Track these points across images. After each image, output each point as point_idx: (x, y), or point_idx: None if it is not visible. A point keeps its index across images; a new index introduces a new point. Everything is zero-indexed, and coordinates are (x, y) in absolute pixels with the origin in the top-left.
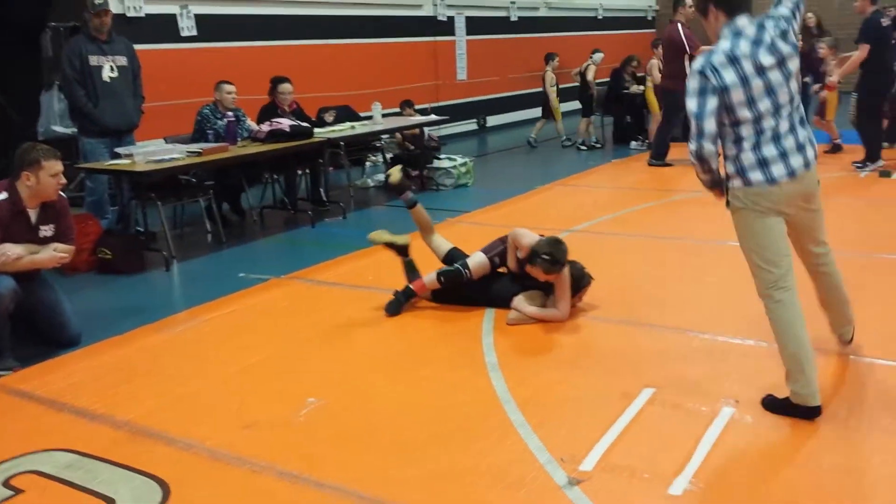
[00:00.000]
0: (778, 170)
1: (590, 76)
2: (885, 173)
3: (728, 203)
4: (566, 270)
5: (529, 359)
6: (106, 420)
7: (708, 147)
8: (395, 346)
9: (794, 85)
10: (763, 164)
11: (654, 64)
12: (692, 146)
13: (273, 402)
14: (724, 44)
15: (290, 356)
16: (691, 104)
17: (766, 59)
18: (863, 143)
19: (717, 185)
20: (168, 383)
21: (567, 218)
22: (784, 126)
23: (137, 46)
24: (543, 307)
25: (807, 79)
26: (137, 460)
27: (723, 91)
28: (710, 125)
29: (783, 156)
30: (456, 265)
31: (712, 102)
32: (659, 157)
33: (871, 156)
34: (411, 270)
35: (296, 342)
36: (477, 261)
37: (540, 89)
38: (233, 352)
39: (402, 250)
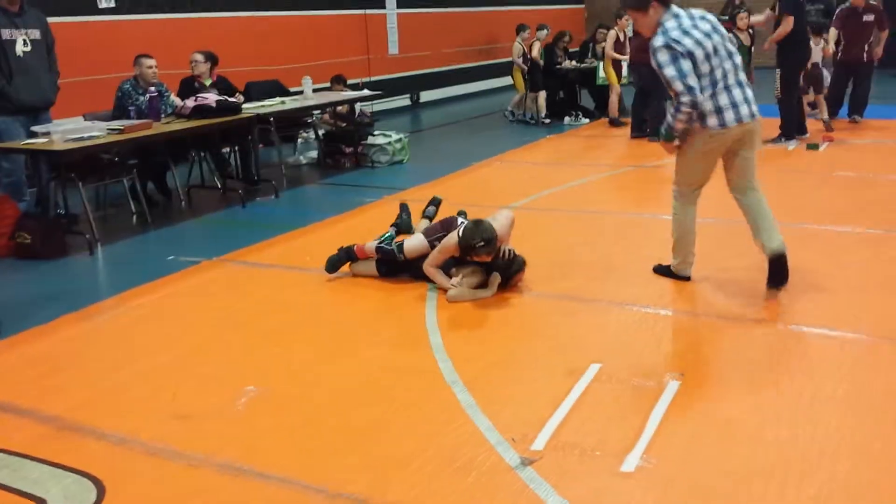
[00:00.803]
0: (727, 116)
1: (535, 52)
2: (812, 146)
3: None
4: (499, 224)
5: (474, 337)
6: (31, 415)
7: (700, 95)
8: (336, 328)
9: (731, 48)
10: (719, 111)
11: (612, 35)
12: (685, 99)
13: (209, 392)
14: (671, 23)
15: (225, 342)
16: (669, 71)
17: (704, 27)
18: (781, 117)
19: (686, 134)
20: (96, 374)
21: (506, 194)
22: (731, 80)
23: (53, 19)
24: (482, 283)
25: None
26: (68, 457)
27: (689, 54)
28: (693, 80)
29: (734, 106)
30: (392, 245)
31: (686, 63)
32: (639, 129)
33: (787, 132)
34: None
35: (231, 327)
36: (413, 244)
37: (510, 60)
38: (164, 339)
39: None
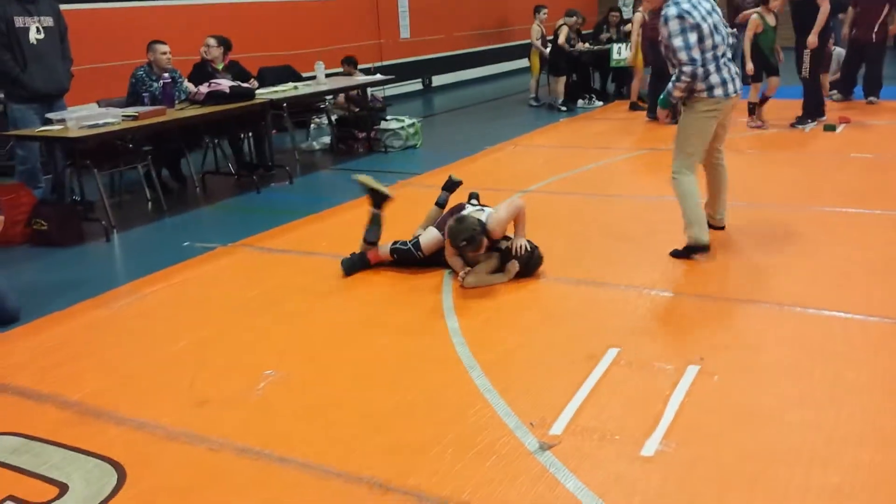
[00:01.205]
0: (729, 88)
1: (561, 38)
2: (829, 127)
3: (683, 107)
4: (493, 218)
5: (492, 322)
6: (52, 400)
7: (700, 69)
8: (353, 314)
9: (725, 30)
10: (723, 83)
11: (638, 19)
12: (687, 69)
13: (228, 377)
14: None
15: (242, 328)
16: (677, 41)
17: (706, 6)
18: (805, 97)
19: (680, 102)
20: (115, 361)
21: (520, 178)
22: (728, 56)
23: (66, 6)
24: (497, 268)
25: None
26: (88, 442)
27: (696, 27)
28: (697, 53)
29: (732, 79)
30: (408, 244)
31: (693, 36)
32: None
33: (813, 112)
34: (375, 224)
35: (248, 313)
36: (429, 238)
37: (523, 42)
38: (181, 325)
39: (379, 200)
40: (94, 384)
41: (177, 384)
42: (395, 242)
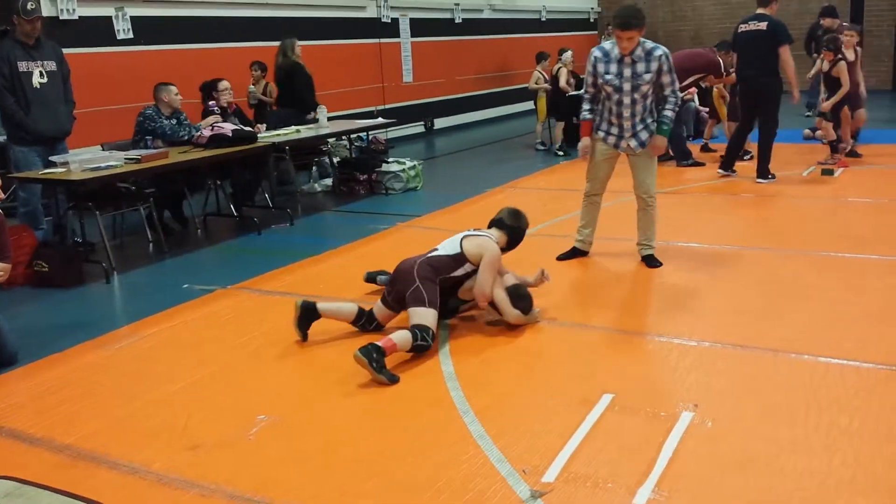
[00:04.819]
0: None
1: (562, 81)
2: (827, 171)
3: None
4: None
5: (486, 366)
6: (45, 444)
7: None
8: (347, 357)
9: None
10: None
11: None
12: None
13: (221, 421)
14: None
15: (237, 371)
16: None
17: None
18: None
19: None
20: (110, 403)
21: None
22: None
23: (71, 50)
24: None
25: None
26: (80, 486)
27: None
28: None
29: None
30: (427, 339)
31: None
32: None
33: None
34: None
35: (243, 356)
36: (434, 302)
37: (524, 86)
38: (177, 368)
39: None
40: (89, 427)
41: (170, 427)
42: (413, 339)
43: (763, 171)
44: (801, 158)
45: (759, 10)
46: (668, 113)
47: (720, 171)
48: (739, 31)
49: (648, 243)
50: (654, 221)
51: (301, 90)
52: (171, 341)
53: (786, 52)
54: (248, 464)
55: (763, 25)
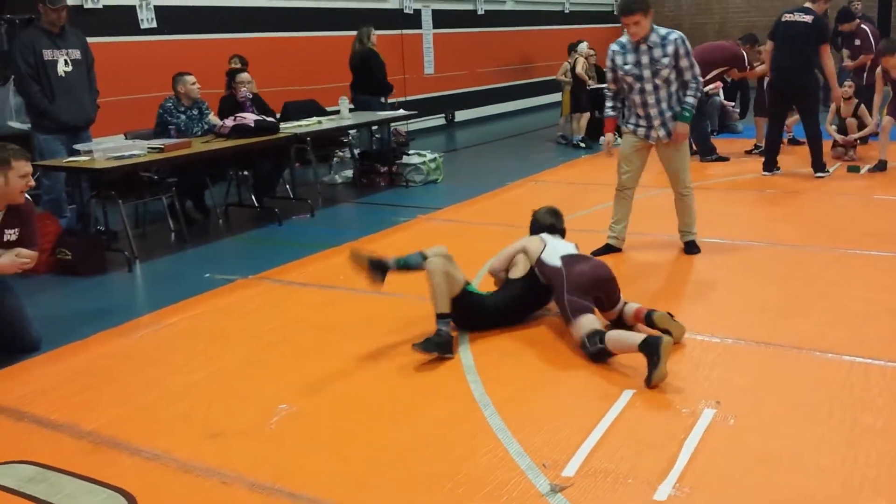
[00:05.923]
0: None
1: (579, 68)
2: (853, 168)
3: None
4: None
5: (506, 360)
6: (68, 429)
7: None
8: (368, 347)
9: None
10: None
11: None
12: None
13: (242, 410)
14: None
15: (259, 361)
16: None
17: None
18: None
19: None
20: (132, 390)
21: None
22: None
23: (95, 39)
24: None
25: None
26: (102, 472)
27: None
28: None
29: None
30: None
31: None
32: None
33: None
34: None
35: (265, 346)
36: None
37: (546, 78)
38: (199, 356)
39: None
40: (110, 413)
41: (192, 415)
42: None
43: (819, 166)
44: (827, 156)
45: (807, 4)
46: (690, 99)
47: (764, 173)
48: (783, 19)
49: (689, 230)
50: (692, 209)
51: (378, 74)
52: (192, 330)
53: (826, 52)
54: (268, 452)
55: (808, 18)
